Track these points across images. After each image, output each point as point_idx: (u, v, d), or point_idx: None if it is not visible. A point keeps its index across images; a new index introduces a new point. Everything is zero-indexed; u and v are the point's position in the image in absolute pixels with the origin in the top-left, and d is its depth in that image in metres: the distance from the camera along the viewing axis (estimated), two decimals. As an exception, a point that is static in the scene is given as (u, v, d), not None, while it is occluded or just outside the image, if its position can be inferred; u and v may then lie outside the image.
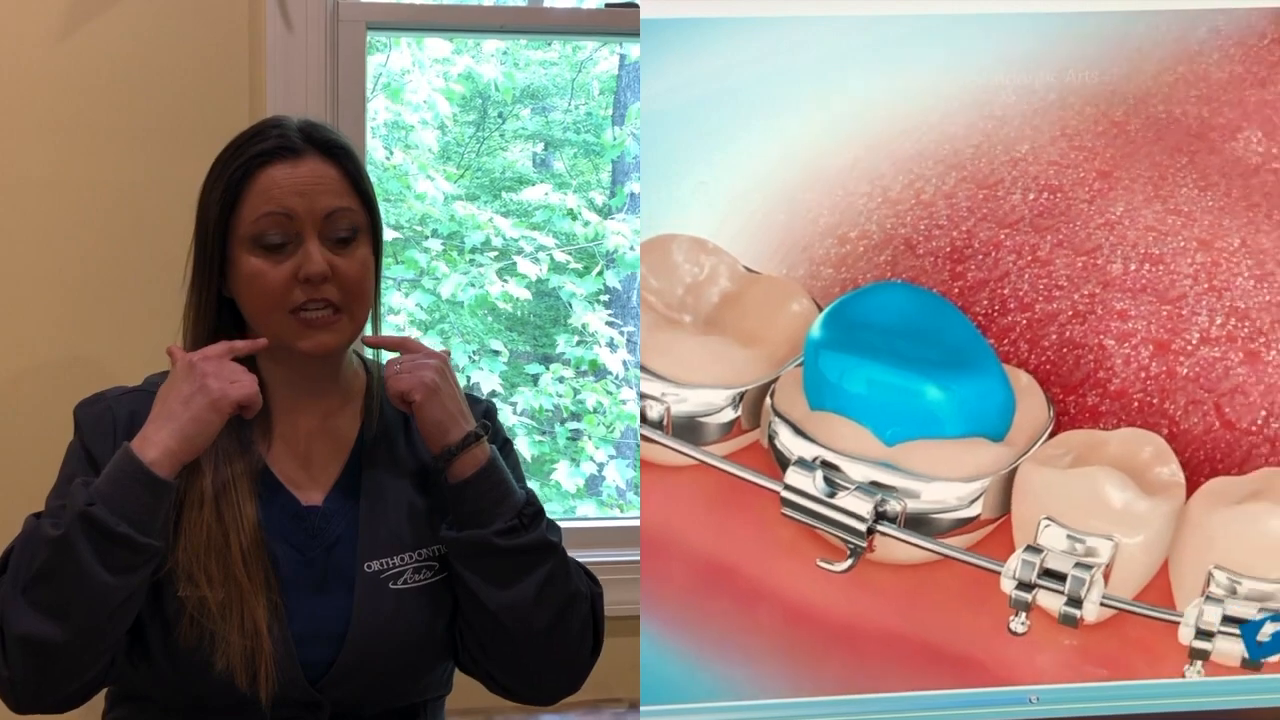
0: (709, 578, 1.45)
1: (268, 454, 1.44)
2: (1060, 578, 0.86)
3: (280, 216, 1.39)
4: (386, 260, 1.58)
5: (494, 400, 2.27)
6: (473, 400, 1.54)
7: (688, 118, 1.53)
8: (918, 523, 0.89)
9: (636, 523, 1.55)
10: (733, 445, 0.95)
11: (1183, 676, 0.99)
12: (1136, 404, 0.88)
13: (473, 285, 3.56)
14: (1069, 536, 0.86)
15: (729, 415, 0.92)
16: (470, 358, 3.58)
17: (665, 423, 0.95)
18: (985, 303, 0.88)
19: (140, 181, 1.92)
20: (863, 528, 0.89)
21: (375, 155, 3.37)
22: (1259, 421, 0.84)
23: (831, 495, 0.91)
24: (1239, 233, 0.90)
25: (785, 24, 1.56)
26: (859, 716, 1.38)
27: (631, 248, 3.56)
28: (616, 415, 3.59)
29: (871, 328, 0.89)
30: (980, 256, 0.88)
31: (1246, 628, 1.50)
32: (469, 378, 3.53)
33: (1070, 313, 0.87)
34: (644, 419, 0.99)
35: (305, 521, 1.43)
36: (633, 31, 1.59)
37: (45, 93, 1.90)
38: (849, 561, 0.95)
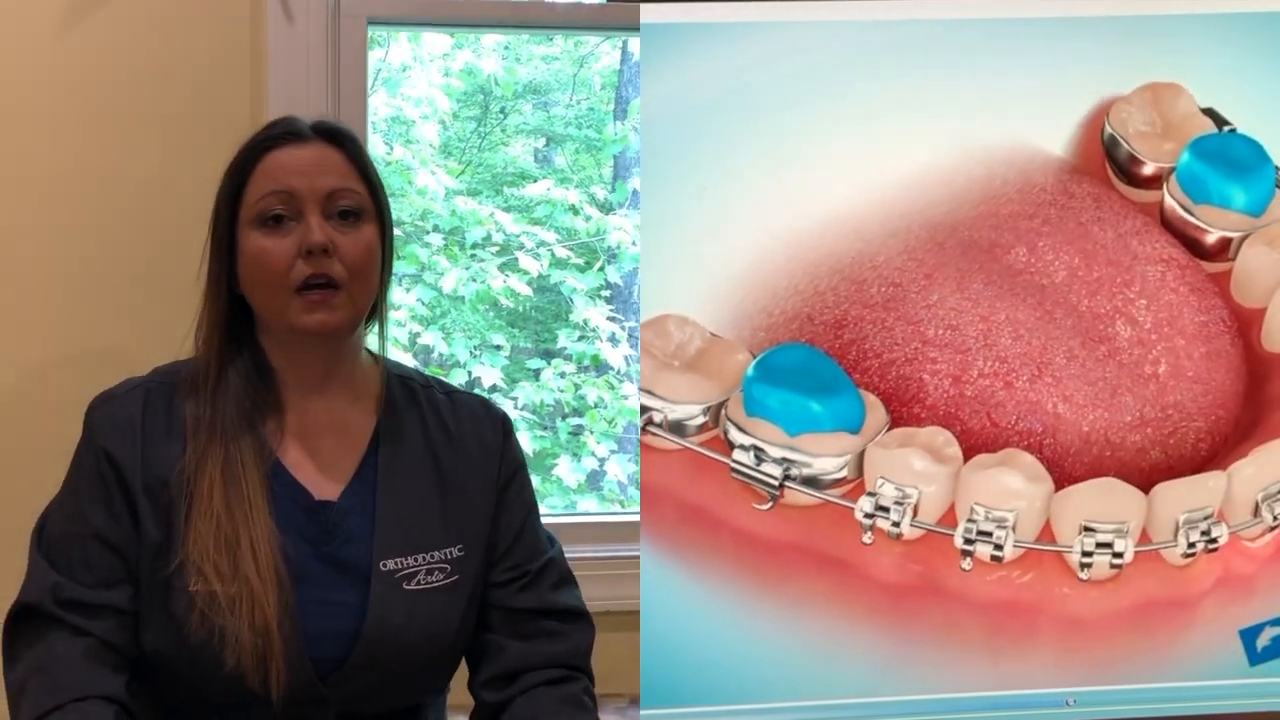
0: (708, 569, 1.56)
1: (279, 447, 1.44)
2: (887, 510, 1.51)
3: (282, 194, 1.39)
4: (388, 256, 1.58)
5: (496, 398, 2.26)
6: (486, 407, 1.54)
7: (688, 122, 1.56)
8: (811, 481, 1.53)
9: (637, 517, 1.56)
10: (704, 437, 1.55)
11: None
12: (940, 413, 1.53)
13: (474, 280, 3.56)
14: (895, 488, 1.51)
15: (701, 420, 1.55)
16: (472, 353, 3.58)
17: (663, 424, 1.55)
18: (853, 354, 1.55)
19: (142, 176, 1.92)
20: (775, 484, 1.52)
21: (376, 150, 3.37)
22: (1010, 423, 1.54)
23: (759, 465, 1.52)
24: (1005, 311, 1.56)
25: (784, 28, 1.57)
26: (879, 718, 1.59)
27: (634, 243, 3.55)
28: (618, 410, 3.59)
29: (782, 369, 1.52)
30: (851, 326, 1.56)
31: (1245, 632, 1.53)
32: (470, 373, 3.53)
33: (903, 359, 1.54)
34: (647, 422, 1.55)
35: (318, 516, 1.43)
36: (634, 26, 1.59)
37: (46, 88, 1.90)
38: (769, 504, 1.53)
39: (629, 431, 3.54)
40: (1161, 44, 1.63)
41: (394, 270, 1.50)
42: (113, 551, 1.38)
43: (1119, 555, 1.53)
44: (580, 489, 3.51)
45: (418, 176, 3.56)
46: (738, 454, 1.51)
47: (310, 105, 1.93)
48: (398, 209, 3.39)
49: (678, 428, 1.53)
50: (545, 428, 3.64)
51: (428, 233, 3.55)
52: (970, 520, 1.51)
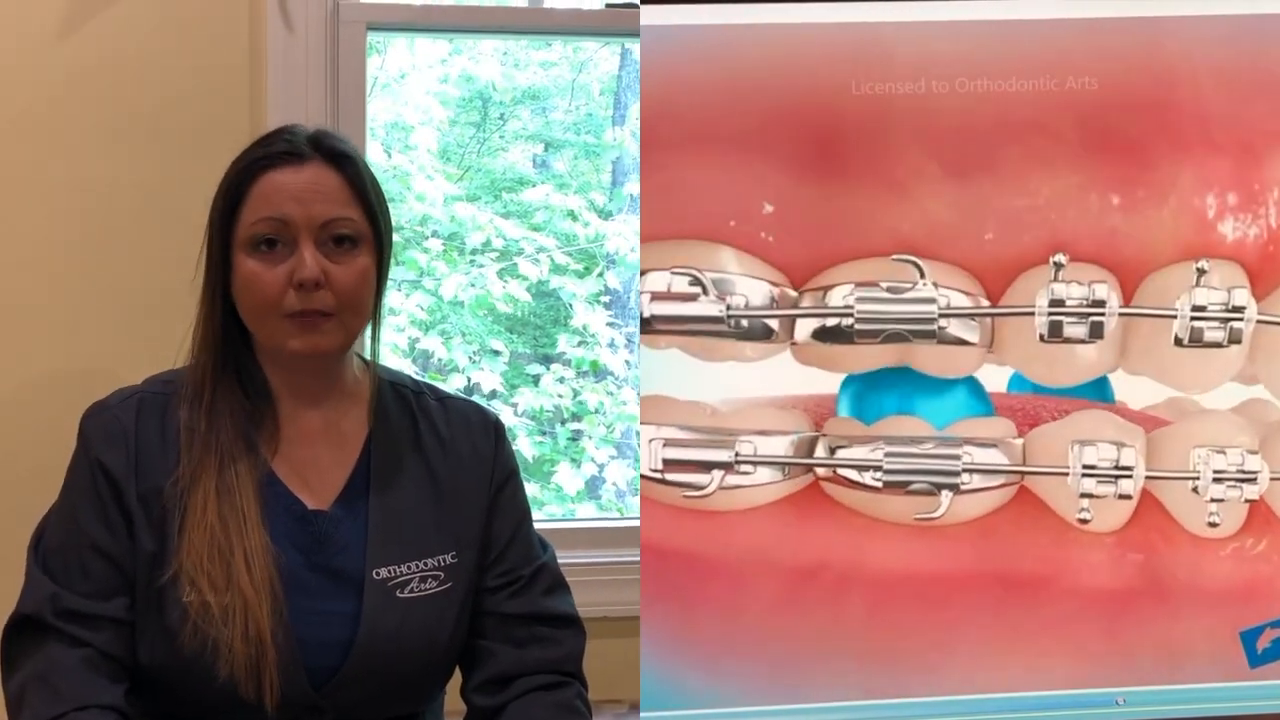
0: (708, 581, 1.56)
1: (272, 458, 1.44)
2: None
3: (276, 221, 1.39)
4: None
5: (495, 403, 2.26)
6: (479, 413, 1.54)
7: (687, 124, 1.55)
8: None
9: (636, 523, 1.56)
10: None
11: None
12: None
13: (473, 286, 3.56)
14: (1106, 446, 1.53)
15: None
16: (471, 358, 3.58)
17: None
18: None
19: (140, 182, 1.92)
20: (954, 480, 1.53)
21: (374, 156, 3.37)
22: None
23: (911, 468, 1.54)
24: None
25: (785, 30, 1.57)
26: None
27: (632, 249, 3.55)
28: (617, 416, 3.58)
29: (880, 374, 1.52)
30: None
31: (1246, 634, 1.53)
32: (469, 378, 3.53)
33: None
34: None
35: (311, 526, 1.43)
36: (633, 32, 1.59)
37: (44, 93, 1.90)
38: (941, 510, 1.50)
39: (628, 436, 3.54)
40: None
41: (393, 276, 1.49)
42: (109, 562, 1.38)
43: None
44: (579, 495, 3.51)
45: (416, 182, 3.56)
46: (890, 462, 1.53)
47: (309, 112, 1.93)
48: (396, 214, 3.39)
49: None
50: (544, 433, 3.63)
51: (426, 238, 3.55)
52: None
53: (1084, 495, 1.56)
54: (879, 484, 1.54)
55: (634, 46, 2.99)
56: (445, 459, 1.49)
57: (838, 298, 1.56)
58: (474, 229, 3.59)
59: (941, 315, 1.56)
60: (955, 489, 1.54)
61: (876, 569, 1.57)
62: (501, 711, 1.45)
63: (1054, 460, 1.57)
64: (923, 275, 1.56)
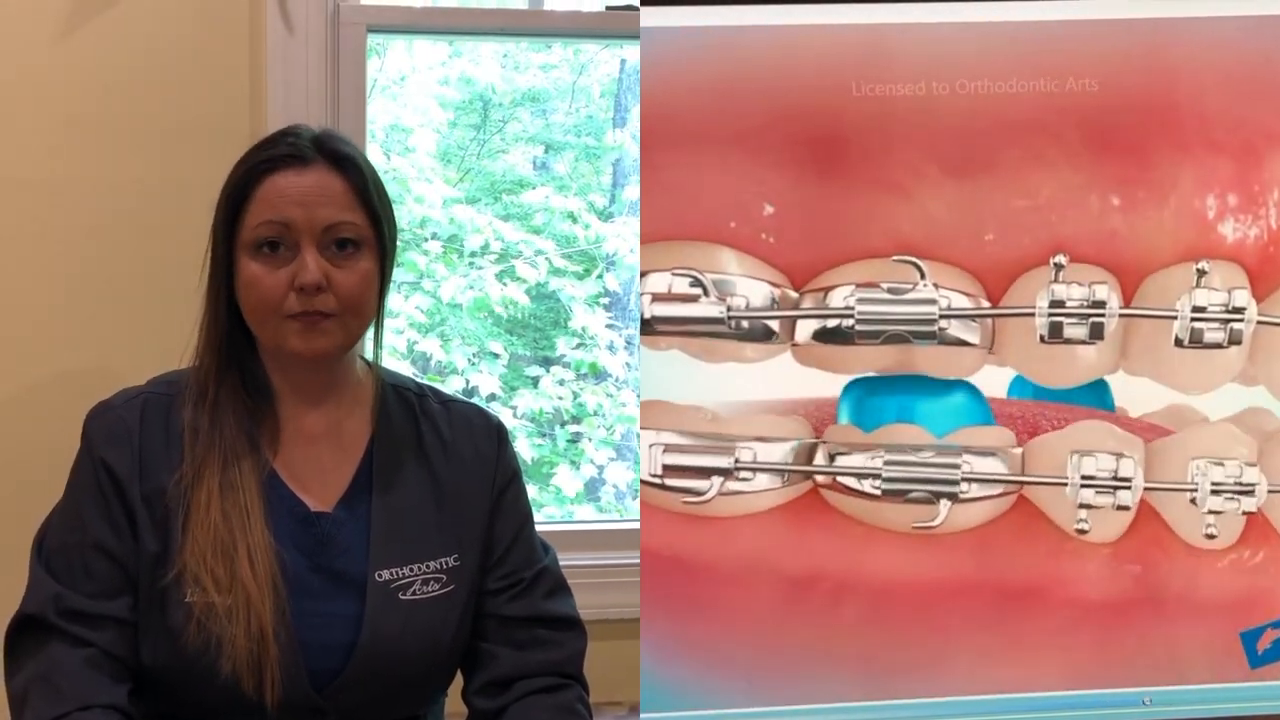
0: (708, 586, 1.56)
1: (275, 459, 1.44)
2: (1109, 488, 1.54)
3: (278, 225, 1.39)
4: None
5: (494, 405, 2.25)
6: (481, 416, 1.54)
7: (688, 125, 1.55)
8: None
9: (636, 525, 1.56)
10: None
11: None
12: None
13: (472, 288, 3.56)
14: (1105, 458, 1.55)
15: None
16: (470, 360, 3.58)
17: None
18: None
19: (141, 183, 1.92)
20: (954, 488, 1.52)
21: (374, 158, 3.37)
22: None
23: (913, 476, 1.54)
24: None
25: (785, 32, 1.57)
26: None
27: (631, 251, 3.55)
28: (616, 418, 3.58)
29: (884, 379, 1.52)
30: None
31: (1246, 635, 1.54)
32: (468, 381, 3.53)
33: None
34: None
35: (314, 527, 1.43)
36: (633, 34, 1.59)
37: (45, 94, 1.90)
38: (940, 519, 1.50)
39: (627, 439, 3.54)
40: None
41: (393, 278, 1.49)
42: (113, 562, 1.38)
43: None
44: (579, 497, 3.51)
45: (415, 184, 3.56)
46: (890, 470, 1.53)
47: (309, 114, 1.93)
48: (395, 216, 3.38)
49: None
50: (544, 435, 3.63)
51: (426, 240, 3.55)
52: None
53: (1082, 506, 1.56)
54: (878, 492, 1.54)
55: (633, 49, 2.99)
56: (448, 462, 1.49)
57: (838, 299, 1.56)
58: (473, 231, 3.59)
59: (942, 316, 1.56)
60: (954, 498, 1.55)
61: (875, 577, 1.57)
62: (502, 714, 1.45)
63: (1053, 470, 1.57)
64: (923, 276, 1.56)
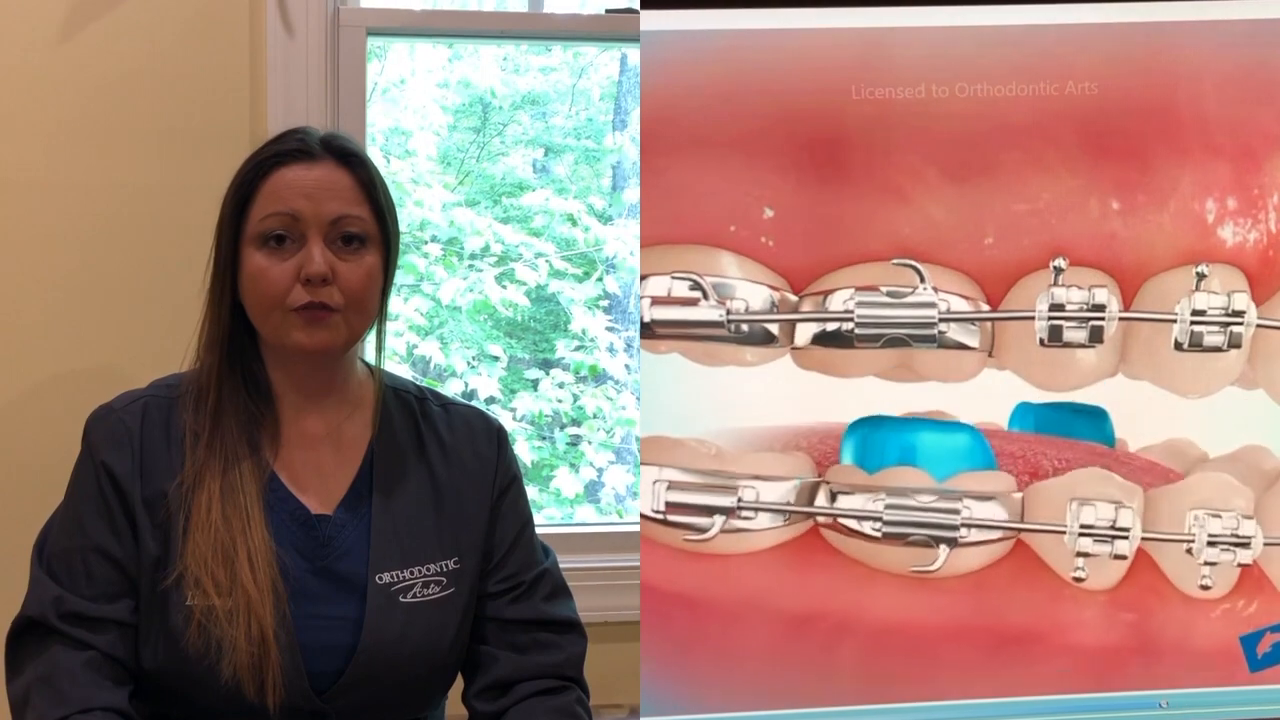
0: (707, 624, 1.56)
1: (275, 461, 1.44)
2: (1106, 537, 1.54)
3: (286, 217, 1.39)
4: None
5: (493, 408, 2.25)
6: (481, 419, 1.54)
7: (688, 129, 1.55)
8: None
9: (636, 528, 1.56)
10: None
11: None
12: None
13: (472, 290, 3.56)
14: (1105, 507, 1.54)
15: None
16: (469, 363, 3.58)
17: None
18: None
19: (141, 186, 1.93)
20: (952, 534, 1.52)
21: (374, 161, 3.37)
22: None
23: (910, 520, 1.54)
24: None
25: (785, 35, 1.57)
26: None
27: (631, 253, 3.56)
28: (616, 420, 3.59)
29: (890, 418, 1.53)
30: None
31: (1246, 639, 1.54)
32: (466, 383, 3.53)
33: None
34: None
35: (315, 530, 1.43)
36: (633, 37, 1.59)
37: (46, 97, 1.91)
38: (938, 562, 1.51)
39: (627, 442, 3.54)
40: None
41: (394, 280, 1.50)
42: (113, 565, 1.38)
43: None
44: (578, 499, 3.51)
45: (416, 188, 3.56)
46: (890, 514, 1.53)
47: (310, 117, 1.94)
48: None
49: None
50: (543, 438, 3.63)
51: (425, 243, 3.55)
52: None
53: (1080, 554, 1.57)
54: (878, 534, 1.55)
55: (633, 52, 3.00)
56: (448, 465, 1.49)
57: (838, 302, 1.56)
58: (473, 234, 3.60)
59: (942, 320, 1.56)
60: (953, 543, 1.55)
61: (873, 617, 1.57)
62: (502, 716, 1.45)
63: (1053, 516, 1.57)
64: (923, 279, 1.56)
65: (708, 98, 1.57)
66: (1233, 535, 1.59)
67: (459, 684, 1.53)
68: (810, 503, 1.55)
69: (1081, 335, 1.57)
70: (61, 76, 1.91)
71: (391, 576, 1.43)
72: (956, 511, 1.54)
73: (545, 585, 1.51)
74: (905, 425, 1.56)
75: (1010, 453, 1.58)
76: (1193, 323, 1.58)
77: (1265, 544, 1.61)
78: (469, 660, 1.50)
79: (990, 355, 1.58)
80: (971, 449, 1.56)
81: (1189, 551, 1.59)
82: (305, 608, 1.39)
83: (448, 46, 3.67)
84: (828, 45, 1.59)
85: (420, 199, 3.55)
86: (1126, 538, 1.57)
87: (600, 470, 3.55)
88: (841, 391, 1.58)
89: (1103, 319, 1.57)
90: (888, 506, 1.54)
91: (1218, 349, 1.59)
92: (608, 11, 2.13)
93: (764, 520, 1.54)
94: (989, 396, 1.60)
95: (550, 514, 3.41)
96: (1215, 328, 1.58)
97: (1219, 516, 1.59)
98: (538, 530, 1.56)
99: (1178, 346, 1.59)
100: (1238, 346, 1.60)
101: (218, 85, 1.94)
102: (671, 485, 1.54)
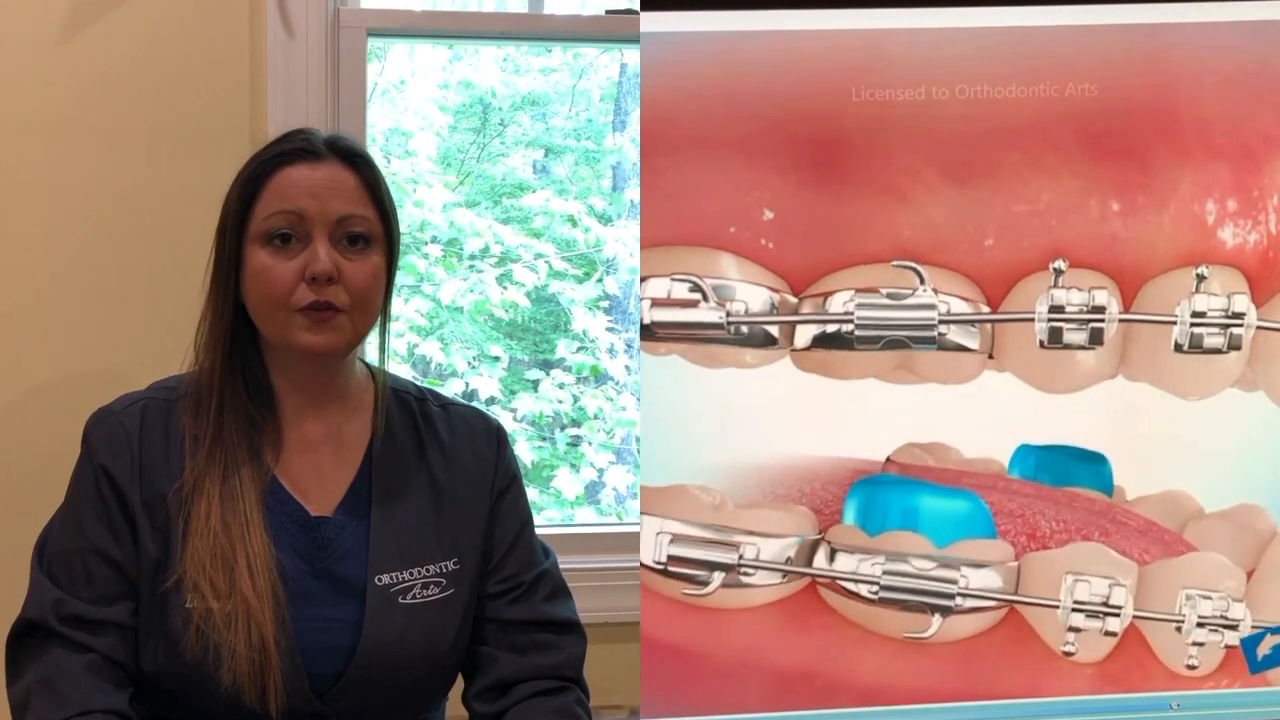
0: (703, 677, 1.56)
1: (276, 463, 1.44)
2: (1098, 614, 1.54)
3: (292, 215, 1.39)
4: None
5: (494, 409, 2.24)
6: (481, 419, 1.54)
7: (688, 130, 1.55)
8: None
9: (636, 529, 1.56)
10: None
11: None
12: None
13: (472, 291, 3.56)
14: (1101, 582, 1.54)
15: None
16: (469, 364, 3.58)
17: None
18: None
19: (141, 187, 1.93)
20: (949, 602, 1.54)
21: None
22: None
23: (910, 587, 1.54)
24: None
25: (785, 37, 1.57)
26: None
27: (631, 254, 3.55)
28: (616, 421, 3.59)
29: (892, 478, 1.53)
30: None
31: (1247, 641, 1.54)
32: (467, 384, 3.53)
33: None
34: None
35: (314, 532, 1.43)
36: (633, 38, 1.59)
37: (46, 98, 1.91)
38: (932, 629, 1.52)
39: (627, 442, 3.54)
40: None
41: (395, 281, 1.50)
42: (113, 567, 1.38)
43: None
44: (579, 500, 3.51)
45: (416, 188, 3.56)
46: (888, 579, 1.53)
47: (310, 117, 1.94)
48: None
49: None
50: (544, 439, 3.63)
51: (426, 243, 3.55)
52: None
53: (1071, 629, 1.58)
54: (875, 597, 1.55)
55: (633, 53, 3.00)
56: (447, 465, 1.49)
57: (838, 304, 1.56)
58: (473, 235, 3.60)
59: (942, 321, 1.56)
60: (948, 611, 1.56)
61: (864, 679, 1.57)
62: (502, 717, 1.45)
63: (1047, 587, 1.58)
64: (923, 281, 1.56)
65: (708, 99, 1.57)
66: (1222, 617, 1.60)
67: (459, 685, 1.53)
68: (810, 560, 1.56)
69: (1081, 337, 1.57)
70: (61, 76, 1.91)
71: (391, 578, 1.43)
72: (954, 581, 1.55)
73: (545, 586, 1.51)
74: (908, 488, 1.57)
75: (1010, 511, 1.58)
76: (1193, 324, 1.58)
77: (1252, 628, 1.62)
78: (469, 661, 1.50)
79: (990, 357, 1.58)
80: (973, 516, 1.57)
81: (1178, 630, 1.60)
82: (305, 610, 1.39)
83: (448, 47, 3.67)
84: (828, 47, 1.59)
85: (420, 199, 3.55)
86: (1118, 615, 1.58)
87: (601, 471, 3.54)
88: (841, 393, 1.58)
89: (1103, 321, 1.57)
90: (885, 571, 1.55)
91: (1218, 351, 1.59)
92: (608, 12, 2.13)
93: (763, 577, 1.55)
94: (989, 398, 1.60)
95: (550, 515, 3.41)
96: (1215, 329, 1.58)
97: (1209, 598, 1.60)
98: (537, 531, 1.56)
99: (1178, 348, 1.59)
100: (1238, 348, 1.60)
101: (218, 85, 1.94)
102: (675, 539, 1.54)
